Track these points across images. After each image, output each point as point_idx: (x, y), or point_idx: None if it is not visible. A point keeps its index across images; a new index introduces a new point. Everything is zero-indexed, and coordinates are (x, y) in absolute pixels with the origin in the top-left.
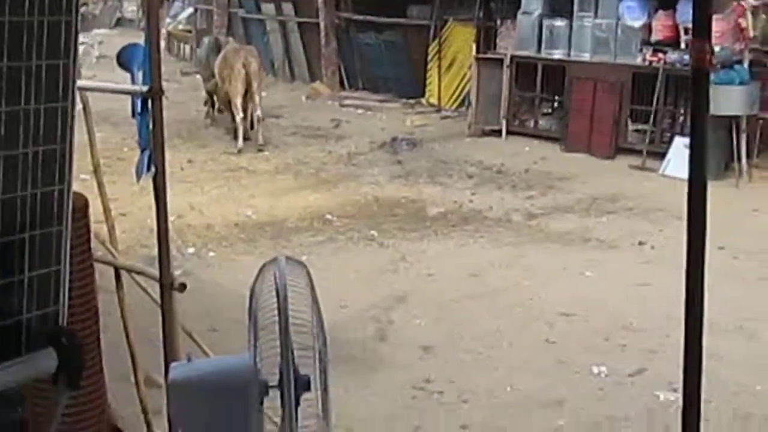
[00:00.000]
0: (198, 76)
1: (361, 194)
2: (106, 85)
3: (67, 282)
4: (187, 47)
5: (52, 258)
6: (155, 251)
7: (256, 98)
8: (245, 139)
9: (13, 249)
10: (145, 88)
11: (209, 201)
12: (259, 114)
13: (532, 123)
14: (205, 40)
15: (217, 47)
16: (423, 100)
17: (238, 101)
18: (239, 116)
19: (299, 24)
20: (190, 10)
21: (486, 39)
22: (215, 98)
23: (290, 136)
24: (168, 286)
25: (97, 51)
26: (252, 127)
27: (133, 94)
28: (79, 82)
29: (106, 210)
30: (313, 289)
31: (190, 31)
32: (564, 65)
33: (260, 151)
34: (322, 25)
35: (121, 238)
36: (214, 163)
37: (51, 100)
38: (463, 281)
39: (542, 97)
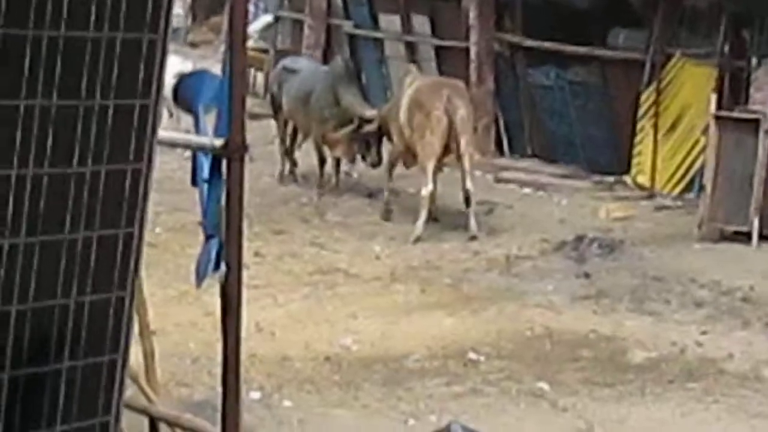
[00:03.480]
0: (272, 122)
1: (526, 323)
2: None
3: None
4: (260, 75)
5: (99, 407)
6: (200, 393)
7: (466, 162)
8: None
9: (44, 386)
10: (218, 142)
11: (286, 319)
12: (470, 187)
13: None
14: (309, 64)
15: (348, 75)
16: (627, 179)
17: (430, 165)
18: (428, 187)
19: (437, 49)
20: (268, 18)
21: (733, 87)
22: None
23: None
24: None
25: None
26: (468, 204)
27: (197, 150)
28: None
29: (143, 327)
30: None
31: (265, 51)
32: None
33: (473, 239)
34: (473, 51)
35: None
36: (295, 260)
37: (119, 159)
38: None
39: None
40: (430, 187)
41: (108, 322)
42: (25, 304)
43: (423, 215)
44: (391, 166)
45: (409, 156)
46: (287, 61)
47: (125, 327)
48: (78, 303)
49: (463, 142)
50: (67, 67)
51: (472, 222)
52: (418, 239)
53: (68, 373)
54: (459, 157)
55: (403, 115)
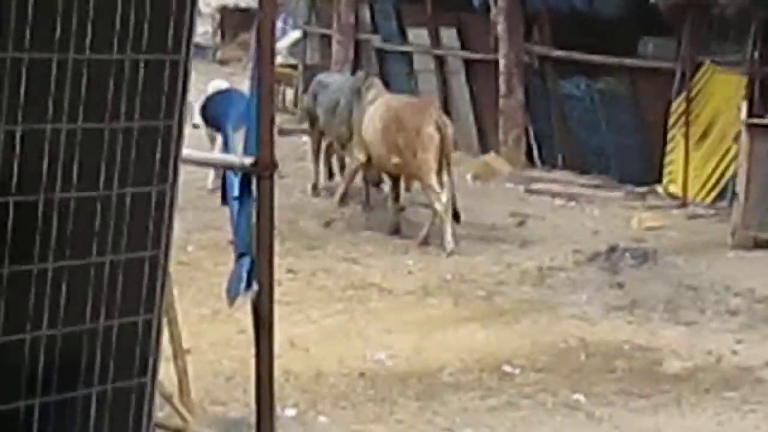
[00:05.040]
0: (305, 138)
1: (560, 334)
2: (187, 153)
3: None
4: (289, 90)
5: (129, 430)
6: (235, 411)
7: (454, 177)
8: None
9: (75, 411)
10: (247, 160)
11: (320, 335)
12: (456, 202)
13: None
14: (340, 78)
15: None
16: (659, 189)
17: (433, 179)
18: (442, 200)
19: (467, 62)
20: (296, 34)
21: (764, 94)
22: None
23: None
24: None
25: None
26: (458, 220)
27: (227, 168)
28: None
29: (177, 346)
30: None
31: (294, 67)
32: None
33: (450, 255)
34: (502, 63)
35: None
36: (328, 276)
37: (144, 181)
38: None
39: None
40: (444, 198)
41: (136, 345)
42: (54, 329)
43: (448, 228)
44: (366, 179)
45: (373, 167)
46: (322, 76)
47: (153, 350)
48: (106, 327)
49: (450, 158)
50: (92, 89)
51: (449, 238)
52: (451, 253)
53: (98, 397)
54: (441, 173)
55: (372, 131)
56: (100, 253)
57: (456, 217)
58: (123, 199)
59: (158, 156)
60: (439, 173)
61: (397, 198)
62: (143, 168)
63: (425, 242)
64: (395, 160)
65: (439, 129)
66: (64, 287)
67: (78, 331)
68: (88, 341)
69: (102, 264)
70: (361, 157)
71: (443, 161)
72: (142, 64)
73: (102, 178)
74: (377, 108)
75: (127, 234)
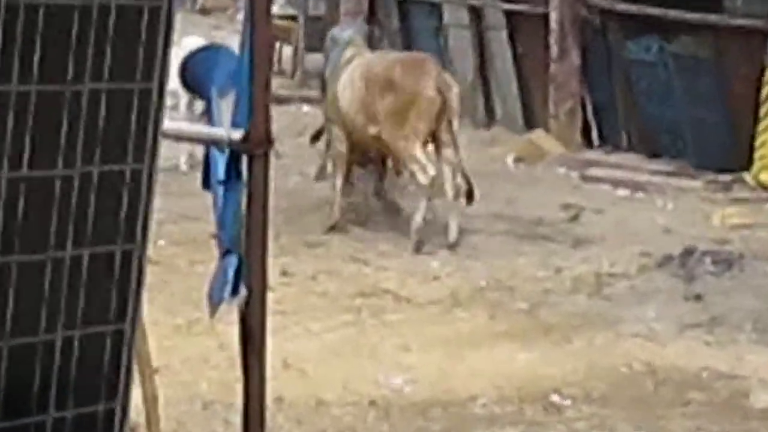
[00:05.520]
0: (307, 107)
1: (621, 357)
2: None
3: None
4: (287, 48)
5: None
6: None
7: (460, 148)
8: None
9: None
10: (236, 134)
11: (321, 353)
12: (459, 181)
13: None
14: (341, 33)
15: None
16: (747, 177)
17: (419, 150)
18: (429, 173)
19: (509, 15)
20: None
21: None
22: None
23: (483, 233)
24: None
25: None
26: (470, 199)
27: (210, 144)
28: None
29: (144, 365)
30: None
31: (294, 19)
32: None
33: (451, 248)
34: (553, 19)
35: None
36: (331, 280)
37: (115, 158)
38: None
39: None
40: (432, 171)
41: (103, 362)
42: None
43: (422, 208)
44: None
45: (357, 152)
46: (337, 30)
47: (125, 368)
48: (65, 339)
49: (455, 123)
50: (50, 41)
51: (454, 226)
52: (419, 242)
53: (54, 426)
54: (438, 145)
55: (349, 97)
56: (59, 247)
57: (470, 195)
58: (88, 179)
59: (133, 126)
60: (438, 147)
61: (381, 179)
62: (114, 141)
63: (455, 244)
64: (373, 131)
65: (441, 91)
66: (12, 289)
67: (30, 343)
68: (42, 356)
69: (61, 260)
70: (342, 135)
71: (442, 131)
72: (113, 11)
73: (61, 154)
74: (354, 69)
75: (93, 223)
